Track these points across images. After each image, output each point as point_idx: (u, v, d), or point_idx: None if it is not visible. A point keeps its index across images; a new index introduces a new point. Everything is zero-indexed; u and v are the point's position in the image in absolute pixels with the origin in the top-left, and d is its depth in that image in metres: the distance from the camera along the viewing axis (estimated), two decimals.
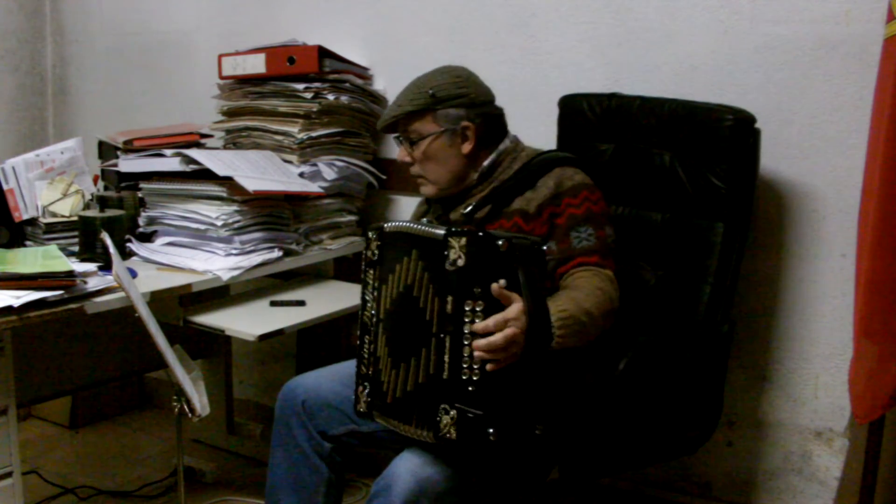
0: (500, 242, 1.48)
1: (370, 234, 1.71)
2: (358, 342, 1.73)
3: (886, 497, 1.98)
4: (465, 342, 1.49)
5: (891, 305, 1.70)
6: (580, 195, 1.76)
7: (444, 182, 1.86)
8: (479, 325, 1.48)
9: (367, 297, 1.71)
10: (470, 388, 1.49)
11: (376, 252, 1.69)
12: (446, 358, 1.51)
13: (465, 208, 1.81)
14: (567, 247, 1.73)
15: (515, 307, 1.49)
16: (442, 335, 1.52)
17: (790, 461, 2.14)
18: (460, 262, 1.49)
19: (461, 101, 1.82)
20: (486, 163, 1.85)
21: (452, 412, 1.50)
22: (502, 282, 1.49)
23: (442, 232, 1.54)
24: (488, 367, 1.48)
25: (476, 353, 1.47)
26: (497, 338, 1.46)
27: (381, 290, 1.67)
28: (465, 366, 1.49)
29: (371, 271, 1.70)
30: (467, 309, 1.49)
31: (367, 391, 1.70)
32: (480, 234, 1.50)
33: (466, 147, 1.83)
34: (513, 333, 1.47)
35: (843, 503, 2.05)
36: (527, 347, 1.50)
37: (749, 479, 2.19)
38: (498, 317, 1.48)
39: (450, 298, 1.51)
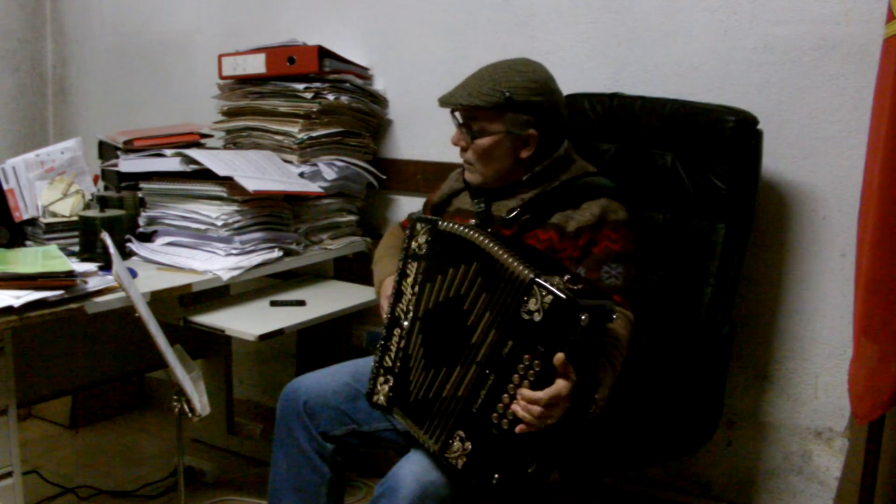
0: (583, 317, 1.40)
1: (418, 225, 1.68)
2: (384, 332, 1.72)
3: (886, 497, 1.98)
4: (508, 392, 1.47)
5: (891, 305, 1.70)
6: (620, 231, 1.73)
7: (492, 178, 1.81)
8: (532, 394, 1.43)
9: (405, 290, 1.68)
10: (494, 431, 1.48)
11: (424, 247, 1.67)
12: (482, 393, 1.50)
13: (509, 213, 1.77)
14: (596, 279, 1.70)
15: (567, 386, 1.44)
16: (487, 371, 1.50)
17: (790, 461, 2.14)
18: (537, 318, 1.43)
19: (533, 110, 1.75)
20: (538, 168, 1.80)
21: (467, 444, 1.50)
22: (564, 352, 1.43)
23: (530, 274, 1.46)
24: (518, 428, 1.46)
25: (514, 410, 1.45)
26: (539, 412, 1.43)
27: (425, 287, 1.65)
28: (498, 411, 1.48)
29: (414, 264, 1.68)
30: (524, 363, 1.45)
31: (389, 385, 1.69)
32: (568, 299, 1.41)
33: (525, 153, 1.78)
34: (554, 412, 1.45)
35: (843, 503, 2.05)
36: (561, 419, 1.48)
37: (749, 479, 2.19)
38: (551, 392, 1.43)
39: (510, 342, 1.47)
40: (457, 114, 1.82)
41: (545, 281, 1.44)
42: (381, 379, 1.71)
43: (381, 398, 1.71)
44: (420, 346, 1.64)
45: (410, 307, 1.68)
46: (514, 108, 1.74)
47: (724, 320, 1.87)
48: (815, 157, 2.01)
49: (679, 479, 2.27)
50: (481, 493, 1.58)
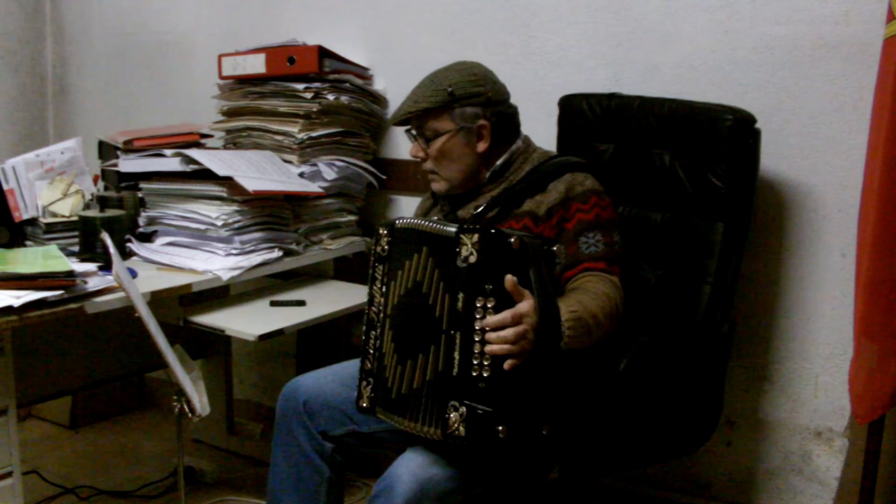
0: (511, 240, 1.49)
1: (381, 229, 1.71)
2: (363, 338, 1.73)
3: (886, 497, 1.98)
4: (476, 339, 1.49)
5: (891, 305, 1.70)
6: (590, 201, 1.76)
7: (457, 180, 1.85)
8: (494, 318, 1.47)
9: (375, 293, 1.70)
10: (480, 385, 1.48)
11: (386, 248, 1.69)
12: (456, 355, 1.51)
13: (476, 208, 1.81)
14: (575, 251, 1.72)
15: (527, 303, 1.49)
16: (452, 332, 1.52)
17: (790, 461, 2.14)
18: (472, 259, 1.50)
19: (478, 100, 1.81)
20: (498, 162, 1.85)
21: (462, 409, 1.49)
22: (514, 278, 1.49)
23: (453, 229, 1.54)
24: (506, 364, 1.47)
25: (488, 348, 1.47)
26: (509, 332, 1.46)
27: (390, 286, 1.67)
28: (475, 362, 1.49)
29: (380, 267, 1.70)
30: (478, 305, 1.49)
31: (370, 387, 1.69)
32: (492, 231, 1.51)
33: (482, 146, 1.82)
34: (524, 329, 1.48)
35: (843, 503, 2.05)
36: (536, 345, 1.50)
37: (749, 479, 2.19)
38: (512, 311, 1.48)
39: (461, 295, 1.51)
40: (412, 131, 1.86)
41: (467, 227, 1.53)
42: (364, 383, 1.71)
43: (366, 401, 1.70)
44: (391, 340, 1.65)
45: (381, 307, 1.69)
46: (459, 101, 1.79)
47: (724, 319, 1.87)
48: (814, 157, 2.01)
49: (679, 479, 2.27)
50: (489, 470, 1.57)
